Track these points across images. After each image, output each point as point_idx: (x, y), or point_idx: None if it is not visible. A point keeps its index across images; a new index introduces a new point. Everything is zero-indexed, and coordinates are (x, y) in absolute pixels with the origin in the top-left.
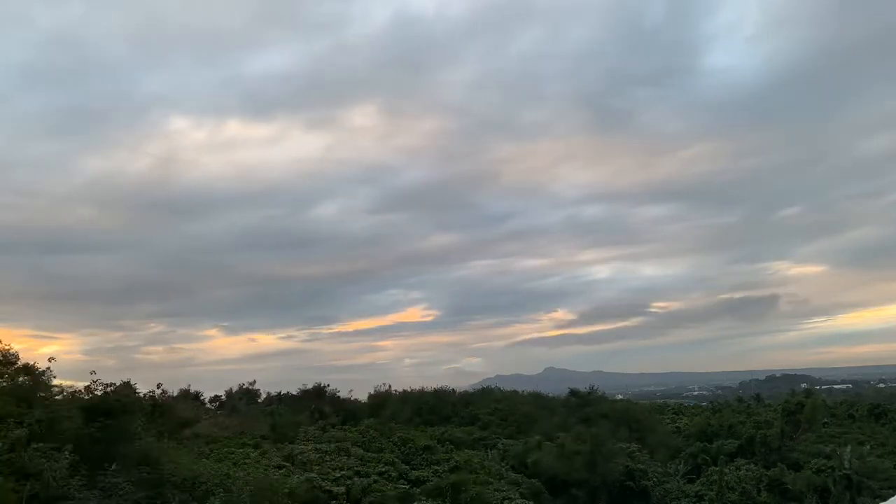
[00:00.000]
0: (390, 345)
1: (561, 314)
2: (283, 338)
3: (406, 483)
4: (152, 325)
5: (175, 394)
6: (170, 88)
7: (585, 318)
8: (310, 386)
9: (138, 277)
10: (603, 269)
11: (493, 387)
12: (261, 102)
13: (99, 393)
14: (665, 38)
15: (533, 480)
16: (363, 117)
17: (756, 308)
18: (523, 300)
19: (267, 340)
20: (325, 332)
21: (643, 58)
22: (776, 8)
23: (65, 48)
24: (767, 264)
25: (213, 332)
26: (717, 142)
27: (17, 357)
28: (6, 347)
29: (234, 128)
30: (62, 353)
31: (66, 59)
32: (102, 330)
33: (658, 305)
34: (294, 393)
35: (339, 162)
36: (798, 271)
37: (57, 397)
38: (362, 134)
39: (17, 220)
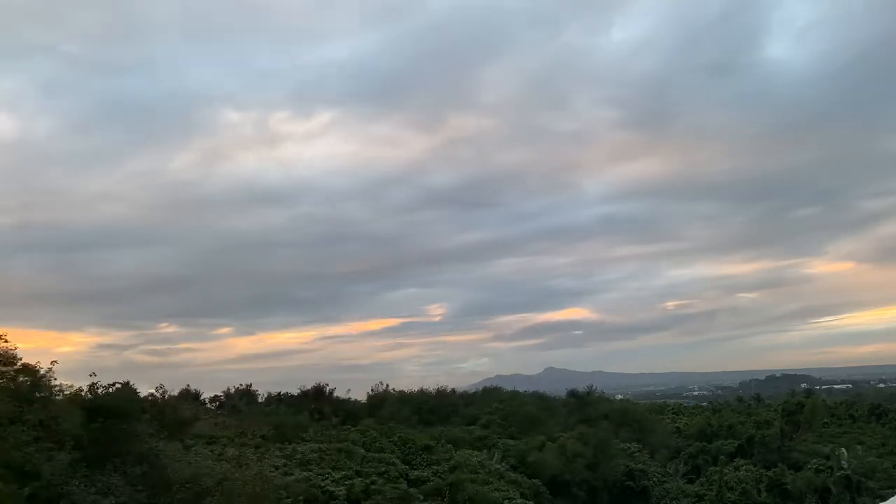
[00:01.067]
0: (407, 342)
1: (580, 311)
2: (298, 337)
3: (406, 483)
4: (165, 324)
5: (175, 394)
6: (218, 81)
7: (604, 316)
8: (309, 386)
9: (162, 275)
10: (628, 266)
11: (494, 387)
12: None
13: (99, 393)
14: (722, 30)
15: (533, 480)
16: (405, 113)
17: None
18: (542, 298)
19: (281, 339)
20: (341, 331)
21: (698, 50)
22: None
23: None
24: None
25: (225, 330)
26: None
27: (16, 357)
28: (6, 347)
29: (279, 122)
30: (82, 351)
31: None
32: (120, 329)
33: (673, 304)
34: (294, 393)
35: (372, 159)
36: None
37: (57, 397)
38: (403, 130)
39: (50, 218)
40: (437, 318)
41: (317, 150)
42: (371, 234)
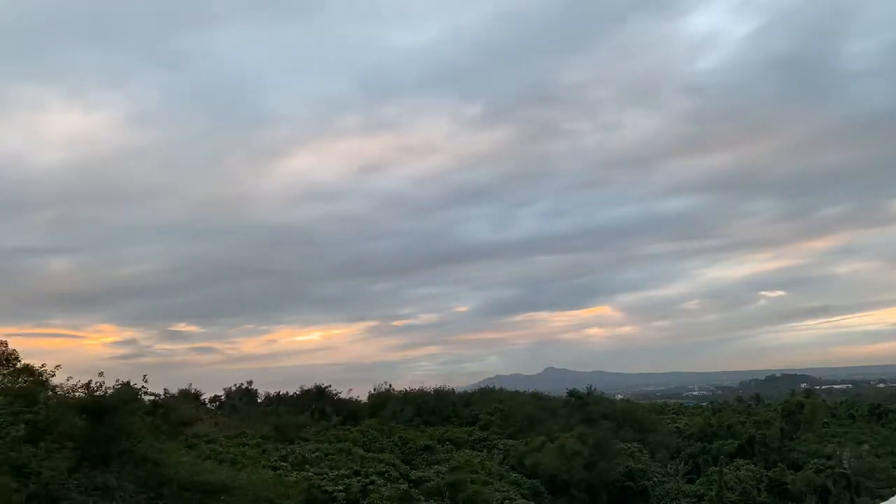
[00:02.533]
0: (427, 339)
1: (605, 310)
2: (322, 334)
3: (406, 483)
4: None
5: (175, 393)
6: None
7: (628, 315)
8: (310, 386)
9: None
10: (658, 264)
11: (494, 387)
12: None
13: (99, 393)
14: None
15: (533, 480)
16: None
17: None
18: (570, 295)
19: (298, 337)
20: (359, 329)
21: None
22: None
23: None
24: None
25: (249, 327)
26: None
27: (17, 358)
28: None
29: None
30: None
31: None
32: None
33: (692, 304)
34: (295, 392)
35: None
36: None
37: (57, 397)
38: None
39: None
40: (459, 316)
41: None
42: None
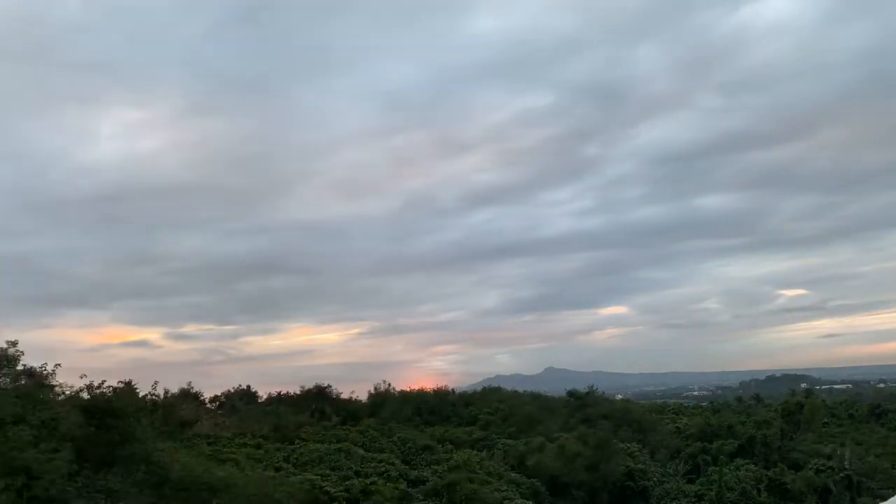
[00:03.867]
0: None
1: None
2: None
3: (406, 483)
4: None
5: (176, 393)
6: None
7: (643, 315)
8: (310, 385)
9: None
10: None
11: (494, 387)
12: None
13: (100, 394)
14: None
15: (533, 480)
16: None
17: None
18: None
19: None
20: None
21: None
22: None
23: None
24: None
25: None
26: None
27: (19, 359)
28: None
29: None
30: None
31: None
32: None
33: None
34: (295, 392)
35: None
36: None
37: (59, 398)
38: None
39: None
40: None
41: None
42: None
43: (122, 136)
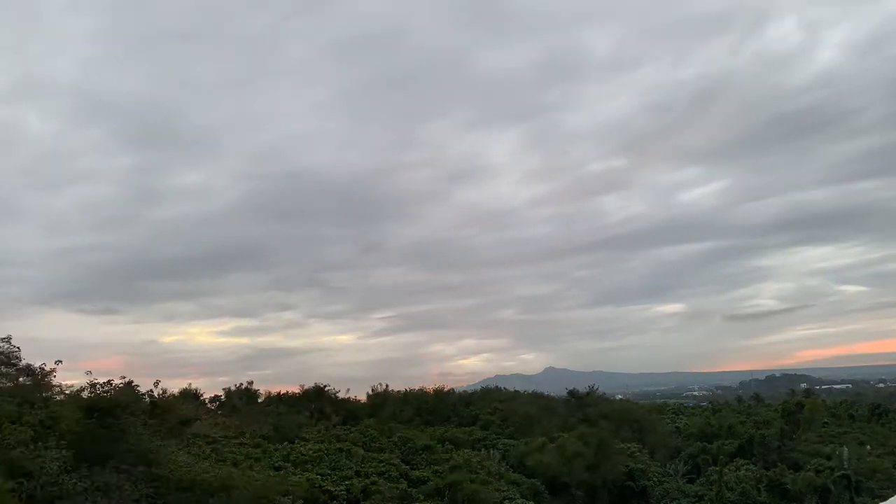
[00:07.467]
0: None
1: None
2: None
3: (406, 483)
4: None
5: (175, 392)
6: None
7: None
8: (310, 385)
9: None
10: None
11: (494, 387)
12: None
13: (98, 392)
14: None
15: (533, 480)
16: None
17: None
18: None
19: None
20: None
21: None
22: None
23: None
24: None
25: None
26: None
27: (18, 357)
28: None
29: None
30: None
31: None
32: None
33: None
34: (295, 392)
35: None
36: None
37: (58, 397)
38: None
39: None
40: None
41: None
42: None
43: None
